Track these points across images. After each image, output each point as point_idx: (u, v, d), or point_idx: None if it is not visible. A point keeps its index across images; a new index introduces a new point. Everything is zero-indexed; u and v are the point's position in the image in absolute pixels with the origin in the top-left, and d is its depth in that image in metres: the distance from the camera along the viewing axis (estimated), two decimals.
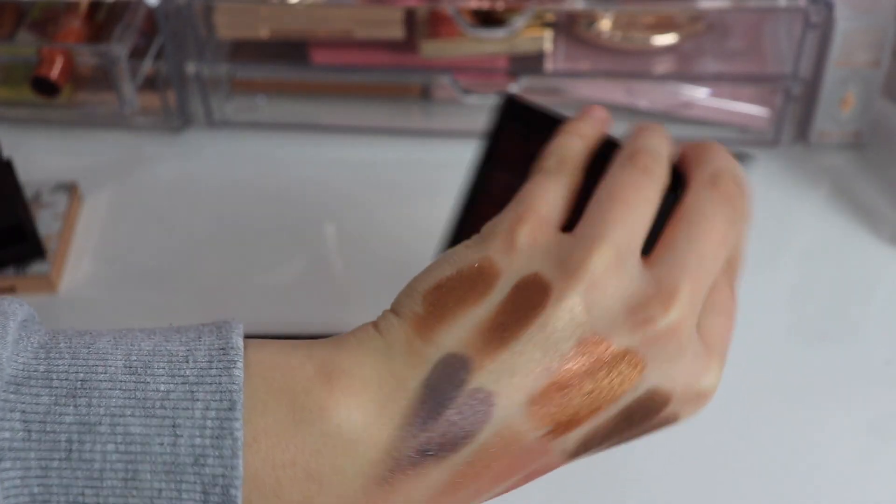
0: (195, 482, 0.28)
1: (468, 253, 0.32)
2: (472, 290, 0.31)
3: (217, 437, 0.28)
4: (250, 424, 0.29)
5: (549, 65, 0.68)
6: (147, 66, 0.67)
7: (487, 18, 0.66)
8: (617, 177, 0.34)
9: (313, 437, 0.29)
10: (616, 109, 0.69)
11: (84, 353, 0.29)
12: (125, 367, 0.29)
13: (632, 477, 0.50)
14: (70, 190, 0.64)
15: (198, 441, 0.28)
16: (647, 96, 0.68)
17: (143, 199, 0.66)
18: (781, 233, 0.62)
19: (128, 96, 0.66)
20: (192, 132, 0.70)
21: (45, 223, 0.61)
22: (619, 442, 0.34)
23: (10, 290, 0.59)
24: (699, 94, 0.68)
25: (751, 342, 0.56)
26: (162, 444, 0.28)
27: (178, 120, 0.70)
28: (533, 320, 0.30)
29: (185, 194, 0.66)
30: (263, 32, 0.67)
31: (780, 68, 0.66)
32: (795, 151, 0.68)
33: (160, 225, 0.64)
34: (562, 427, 0.31)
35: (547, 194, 0.34)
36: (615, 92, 0.68)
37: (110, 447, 0.28)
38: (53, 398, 0.28)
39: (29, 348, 0.29)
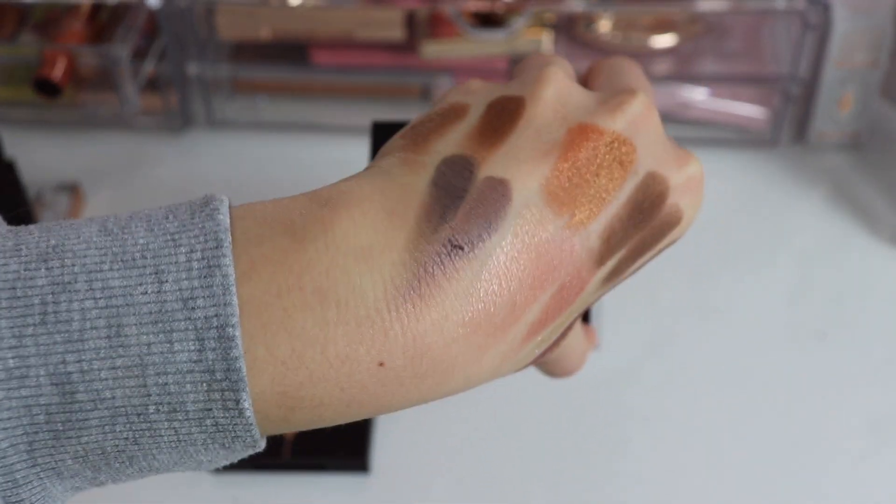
0: (187, 328, 0.25)
1: (432, 108, 0.32)
2: (447, 117, 0.31)
3: (205, 277, 0.25)
4: (245, 256, 0.26)
5: None
6: (149, 67, 0.67)
7: (487, 20, 0.67)
8: (529, 58, 0.36)
9: (319, 252, 0.26)
10: None
11: (56, 228, 0.26)
12: (100, 230, 0.26)
13: (631, 476, 0.50)
14: (72, 190, 0.64)
15: (185, 284, 0.25)
16: None
17: (145, 199, 0.66)
18: (780, 233, 0.63)
19: (130, 97, 0.66)
20: (194, 132, 0.71)
21: None
22: (640, 247, 0.33)
23: None
24: (698, 94, 0.68)
25: (750, 342, 0.56)
26: (145, 292, 0.25)
27: (180, 120, 0.70)
28: (518, 120, 0.31)
29: (187, 194, 0.66)
30: (264, 33, 0.68)
31: (779, 69, 0.67)
32: (794, 152, 0.68)
33: None
34: (581, 216, 0.30)
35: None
36: None
37: (89, 303, 0.25)
38: (23, 264, 0.25)
39: None
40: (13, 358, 0.24)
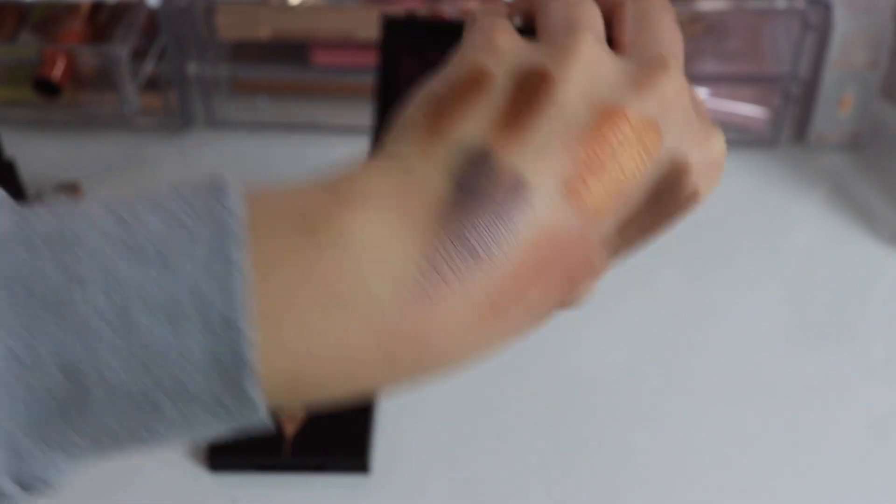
0: (196, 320, 0.25)
1: (452, 70, 0.31)
2: (470, 89, 0.30)
3: (214, 267, 0.25)
4: (257, 250, 0.26)
5: None
6: (148, 66, 0.67)
7: None
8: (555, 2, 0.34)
9: (333, 254, 0.26)
10: None
11: (63, 210, 0.26)
12: (107, 212, 0.26)
13: (632, 476, 0.50)
14: (72, 190, 0.64)
15: (198, 277, 0.25)
16: None
17: None
18: (780, 233, 0.63)
19: (129, 97, 0.66)
20: (194, 132, 0.71)
21: None
22: (650, 231, 0.32)
23: None
24: (698, 94, 0.68)
25: (750, 342, 0.56)
26: (159, 285, 0.25)
27: (180, 120, 0.70)
28: (544, 100, 0.29)
29: None
30: (264, 33, 0.67)
31: (779, 69, 0.67)
32: (794, 152, 0.68)
33: None
34: (599, 208, 0.30)
35: (499, 18, 0.33)
36: None
37: (100, 297, 0.25)
38: (33, 254, 0.25)
39: (2, 214, 0.26)
40: (27, 352, 0.25)
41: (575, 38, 0.31)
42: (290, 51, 0.69)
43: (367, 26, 0.66)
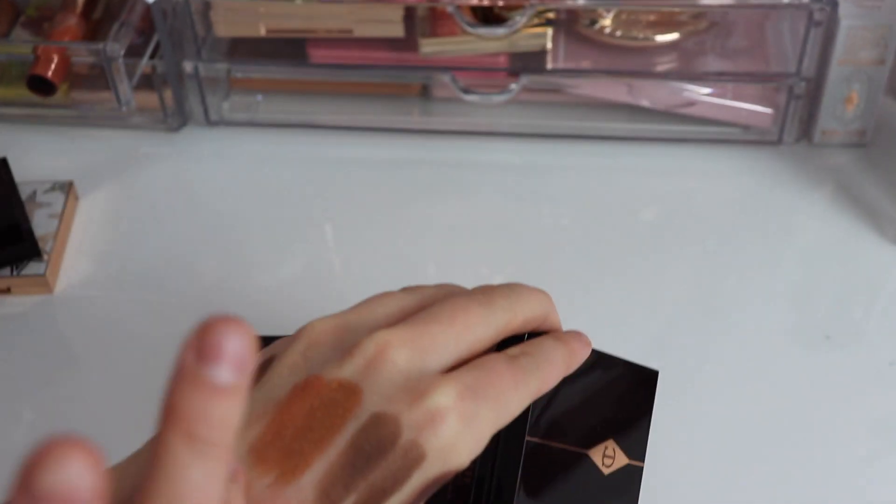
0: None
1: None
2: None
3: None
4: None
5: (549, 63, 0.68)
6: (144, 64, 0.67)
7: (488, 16, 0.66)
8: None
9: None
10: (618, 108, 0.68)
11: None
12: None
13: None
14: (66, 189, 0.63)
15: None
16: (649, 95, 0.68)
17: (141, 198, 0.65)
18: (785, 232, 0.62)
19: (124, 95, 0.65)
20: (190, 131, 0.70)
21: (41, 223, 0.61)
22: (378, 492, 0.32)
23: (6, 290, 0.58)
24: (701, 92, 0.67)
25: (754, 341, 0.55)
26: None
27: (176, 119, 0.69)
28: (255, 382, 0.33)
29: (183, 193, 0.66)
30: (261, 30, 0.67)
31: (784, 66, 0.66)
32: (799, 150, 0.67)
33: (157, 224, 0.63)
34: (288, 472, 0.31)
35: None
36: (617, 90, 0.68)
37: None
38: None
39: None
40: None
41: (310, 324, 0.35)
42: (288, 48, 0.69)
43: (366, 23, 0.66)
